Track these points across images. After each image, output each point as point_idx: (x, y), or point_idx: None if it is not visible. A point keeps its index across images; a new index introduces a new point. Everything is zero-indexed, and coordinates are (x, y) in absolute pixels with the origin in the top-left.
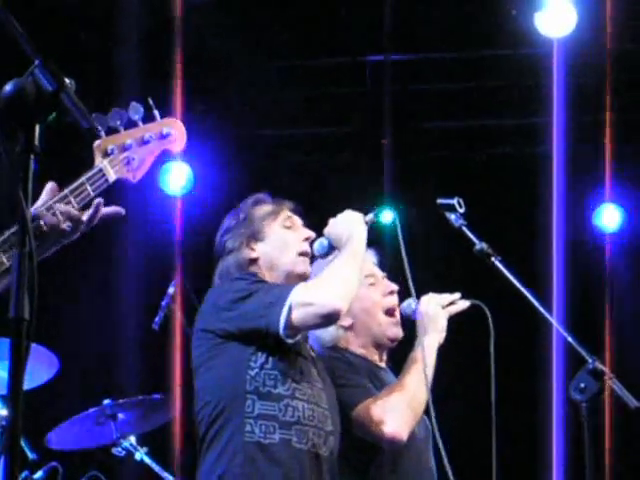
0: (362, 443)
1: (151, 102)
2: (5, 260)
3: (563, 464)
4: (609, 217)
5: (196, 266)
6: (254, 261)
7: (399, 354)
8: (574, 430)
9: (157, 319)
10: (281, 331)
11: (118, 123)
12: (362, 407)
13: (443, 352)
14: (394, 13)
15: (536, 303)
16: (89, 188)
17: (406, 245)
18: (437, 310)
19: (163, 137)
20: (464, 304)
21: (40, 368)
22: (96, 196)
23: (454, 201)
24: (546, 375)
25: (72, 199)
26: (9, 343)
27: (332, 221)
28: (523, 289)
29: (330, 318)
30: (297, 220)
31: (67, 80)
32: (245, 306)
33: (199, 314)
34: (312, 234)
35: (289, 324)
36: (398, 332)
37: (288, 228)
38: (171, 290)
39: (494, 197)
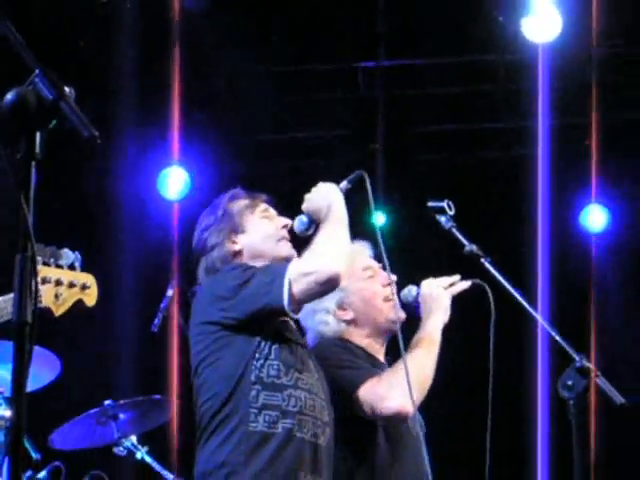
0: (361, 434)
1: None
2: None
3: (548, 459)
4: (594, 218)
5: (193, 269)
6: (238, 253)
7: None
8: (559, 426)
9: (156, 321)
10: (286, 306)
11: (49, 260)
12: (367, 385)
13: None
14: (386, 21)
15: (524, 302)
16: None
17: (385, 242)
18: (439, 291)
19: (84, 288)
20: (465, 284)
21: (43, 370)
22: None
23: (444, 204)
24: (533, 372)
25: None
26: (12, 346)
27: (308, 196)
28: (511, 289)
29: (330, 283)
30: (272, 210)
31: (67, 88)
32: (246, 290)
33: (195, 309)
34: (288, 221)
35: (292, 298)
36: (401, 314)
37: (266, 218)
38: (170, 292)
39: (483, 198)
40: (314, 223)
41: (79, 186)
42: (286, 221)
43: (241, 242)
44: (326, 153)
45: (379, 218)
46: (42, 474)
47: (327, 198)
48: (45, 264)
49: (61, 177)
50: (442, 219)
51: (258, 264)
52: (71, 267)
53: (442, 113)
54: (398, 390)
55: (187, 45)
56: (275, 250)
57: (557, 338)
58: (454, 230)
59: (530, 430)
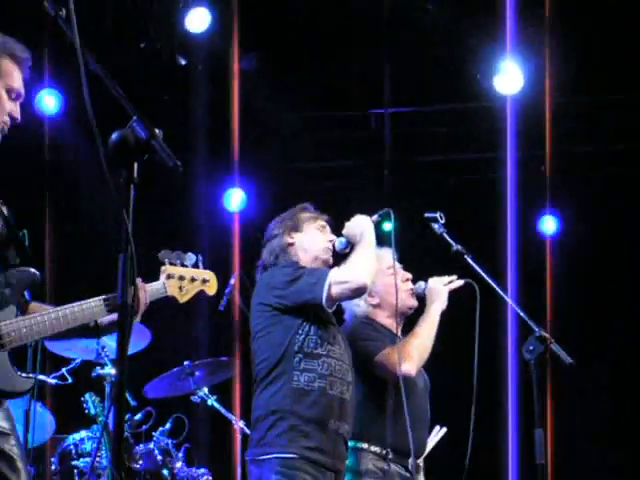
0: (377, 388)
1: (200, 257)
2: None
3: (516, 404)
4: (548, 224)
5: (250, 263)
6: (291, 245)
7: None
8: (524, 382)
9: (223, 302)
10: (324, 303)
11: (177, 262)
12: (384, 353)
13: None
14: (391, 78)
15: (497, 288)
16: (155, 292)
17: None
18: (440, 286)
19: (204, 281)
20: (459, 282)
21: (138, 339)
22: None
23: (437, 215)
24: (504, 341)
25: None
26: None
27: (347, 224)
28: (488, 278)
29: (359, 291)
30: (328, 228)
31: (157, 130)
32: (296, 286)
33: (256, 291)
34: (335, 238)
35: (329, 297)
36: (414, 302)
37: (320, 230)
38: (232, 281)
39: (466, 210)
40: (350, 244)
41: (167, 203)
42: (333, 237)
43: (296, 238)
44: (346, 177)
45: (387, 226)
46: (138, 416)
47: (361, 227)
48: (171, 264)
49: (154, 197)
50: (435, 226)
51: (304, 256)
52: (195, 266)
53: (434, 147)
54: (407, 358)
55: (243, 95)
56: (319, 252)
57: (522, 314)
58: (445, 234)
59: (503, 382)
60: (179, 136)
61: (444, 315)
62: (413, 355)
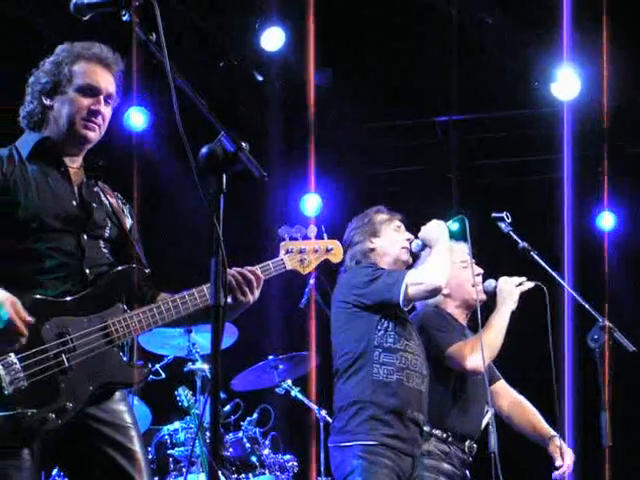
0: (442, 374)
1: (323, 229)
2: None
3: (572, 391)
4: (606, 221)
5: (326, 264)
6: (372, 250)
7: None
8: (581, 372)
9: (303, 301)
10: (401, 302)
11: (298, 235)
12: (455, 347)
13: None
14: (457, 87)
15: (562, 281)
16: (272, 269)
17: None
18: (512, 287)
19: (328, 251)
20: (530, 284)
21: (226, 336)
22: (275, 275)
23: (503, 214)
24: (562, 331)
25: (258, 271)
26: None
27: (423, 228)
28: (552, 272)
29: (434, 292)
30: (403, 227)
31: (243, 143)
32: (375, 286)
33: (337, 290)
34: (412, 236)
35: (406, 297)
36: (482, 296)
37: (396, 231)
38: (311, 281)
39: (528, 209)
40: (426, 246)
41: (258, 209)
42: (409, 236)
43: (376, 243)
44: (414, 182)
45: (454, 226)
46: (227, 408)
47: (437, 231)
48: (292, 238)
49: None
50: (502, 225)
51: (385, 260)
52: (320, 237)
53: (498, 151)
54: (475, 354)
55: (317, 108)
56: (398, 254)
57: (586, 305)
58: (511, 232)
59: (560, 371)
60: (258, 146)
61: (514, 314)
62: (483, 353)
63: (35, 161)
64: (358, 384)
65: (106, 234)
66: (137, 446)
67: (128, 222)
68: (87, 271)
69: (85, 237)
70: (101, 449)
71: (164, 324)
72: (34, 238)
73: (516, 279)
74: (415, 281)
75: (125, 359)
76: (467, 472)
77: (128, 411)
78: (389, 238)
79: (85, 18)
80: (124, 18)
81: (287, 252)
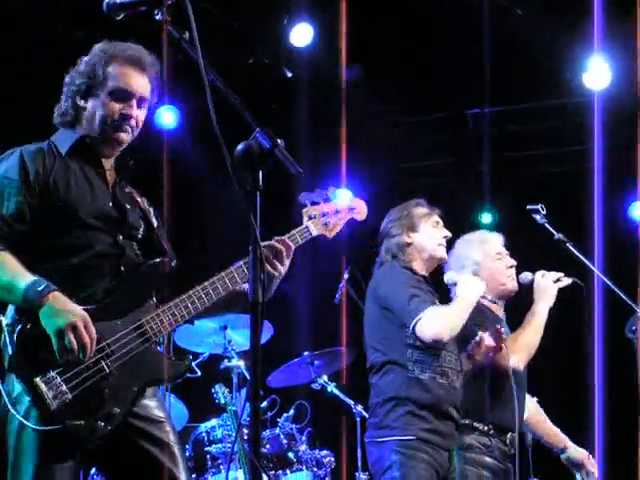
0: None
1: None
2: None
3: (602, 382)
4: (638, 211)
5: (359, 262)
6: (409, 245)
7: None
8: (611, 361)
9: (337, 296)
10: (410, 329)
11: (320, 199)
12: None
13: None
14: (490, 79)
15: (597, 271)
16: (298, 238)
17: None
18: (549, 283)
19: (350, 210)
20: (567, 281)
21: (263, 333)
22: (302, 244)
23: (538, 206)
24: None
25: (288, 240)
26: (249, 318)
27: (461, 279)
28: (588, 262)
29: (434, 344)
30: (441, 223)
31: (279, 140)
32: (400, 302)
33: (371, 287)
34: (449, 234)
35: (413, 330)
36: (515, 285)
37: (434, 227)
38: (345, 276)
39: (560, 200)
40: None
41: (289, 203)
42: (447, 233)
43: (413, 238)
44: (445, 174)
45: (485, 217)
46: (263, 404)
47: (470, 288)
48: (314, 203)
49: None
50: (537, 217)
51: (421, 255)
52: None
53: (528, 143)
54: (517, 352)
55: (348, 103)
56: (434, 250)
57: (622, 296)
58: (546, 224)
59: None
60: (289, 143)
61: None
62: (522, 350)
63: (75, 158)
64: (393, 381)
65: (139, 235)
66: (172, 439)
67: (155, 224)
68: (123, 269)
69: (121, 237)
70: (136, 442)
71: (197, 314)
72: (73, 235)
73: (554, 274)
74: (424, 323)
75: (164, 353)
76: (510, 465)
77: (161, 406)
78: (427, 234)
79: (118, 18)
80: (157, 17)
81: (310, 218)
